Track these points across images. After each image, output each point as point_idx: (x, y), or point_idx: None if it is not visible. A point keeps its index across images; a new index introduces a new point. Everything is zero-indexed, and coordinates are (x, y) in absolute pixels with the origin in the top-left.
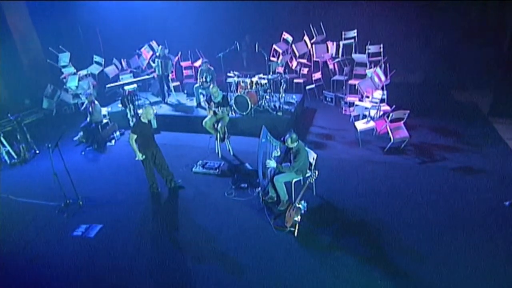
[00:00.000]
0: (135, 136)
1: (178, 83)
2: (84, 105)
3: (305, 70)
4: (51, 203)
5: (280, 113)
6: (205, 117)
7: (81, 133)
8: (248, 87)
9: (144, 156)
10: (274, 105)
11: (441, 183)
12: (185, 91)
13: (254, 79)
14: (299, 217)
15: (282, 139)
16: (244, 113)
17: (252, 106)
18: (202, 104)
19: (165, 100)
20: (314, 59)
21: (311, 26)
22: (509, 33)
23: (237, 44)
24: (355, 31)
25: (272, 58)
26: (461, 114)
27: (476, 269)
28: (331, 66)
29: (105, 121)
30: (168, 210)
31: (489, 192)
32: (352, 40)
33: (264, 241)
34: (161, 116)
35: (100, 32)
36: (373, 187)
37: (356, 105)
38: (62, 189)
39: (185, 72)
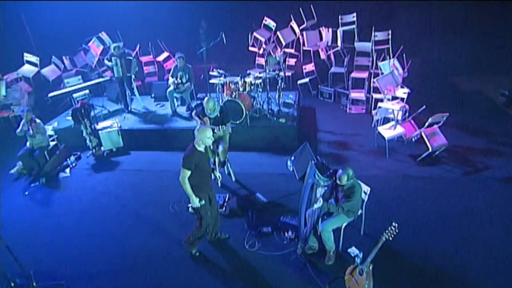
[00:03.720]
0: (189, 173)
1: (139, 82)
2: (21, 126)
3: (292, 61)
4: None
5: (282, 120)
6: (187, 128)
7: (20, 163)
8: (240, 89)
9: (203, 202)
10: (271, 109)
11: (502, 201)
12: (152, 95)
13: (248, 79)
14: (371, 283)
15: (328, 173)
16: (238, 122)
17: (247, 112)
18: (194, 115)
19: (129, 109)
20: (305, 48)
21: (300, 9)
22: None
23: (223, 35)
24: (354, 14)
25: (251, 48)
26: (475, 106)
27: None
28: (323, 56)
29: (52, 143)
30: (171, 279)
31: None
32: (354, 26)
33: None
34: (127, 131)
35: (28, 22)
36: (425, 213)
37: (379, 107)
38: None
39: (145, 69)
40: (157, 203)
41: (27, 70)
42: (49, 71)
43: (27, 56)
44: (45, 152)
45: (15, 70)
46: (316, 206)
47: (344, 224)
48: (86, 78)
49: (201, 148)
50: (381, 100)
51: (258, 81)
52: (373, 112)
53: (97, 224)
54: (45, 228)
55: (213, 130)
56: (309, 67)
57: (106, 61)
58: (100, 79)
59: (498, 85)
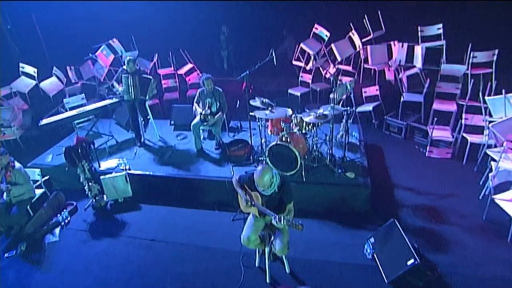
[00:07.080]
0: None
1: (156, 101)
2: None
3: (345, 80)
4: None
5: (351, 174)
6: (217, 179)
7: None
8: (294, 129)
9: None
10: (333, 155)
11: None
12: (172, 122)
13: (307, 118)
14: None
15: None
16: (288, 174)
17: (302, 161)
18: (237, 186)
19: (142, 141)
20: (369, 66)
21: (365, 17)
22: None
23: (273, 53)
24: (440, 26)
25: (296, 63)
26: None
27: None
28: (389, 77)
29: (38, 191)
30: None
31: None
32: (442, 42)
33: None
34: (138, 177)
35: (39, 23)
36: None
37: (498, 168)
38: None
39: (164, 83)
40: None
41: (23, 84)
42: (50, 85)
43: (24, 67)
44: (28, 207)
45: (8, 85)
46: None
47: None
48: (93, 94)
49: None
50: (483, 146)
51: (321, 120)
52: (490, 175)
53: None
54: None
55: (266, 215)
56: (372, 90)
57: (116, 85)
58: (108, 101)
59: None
